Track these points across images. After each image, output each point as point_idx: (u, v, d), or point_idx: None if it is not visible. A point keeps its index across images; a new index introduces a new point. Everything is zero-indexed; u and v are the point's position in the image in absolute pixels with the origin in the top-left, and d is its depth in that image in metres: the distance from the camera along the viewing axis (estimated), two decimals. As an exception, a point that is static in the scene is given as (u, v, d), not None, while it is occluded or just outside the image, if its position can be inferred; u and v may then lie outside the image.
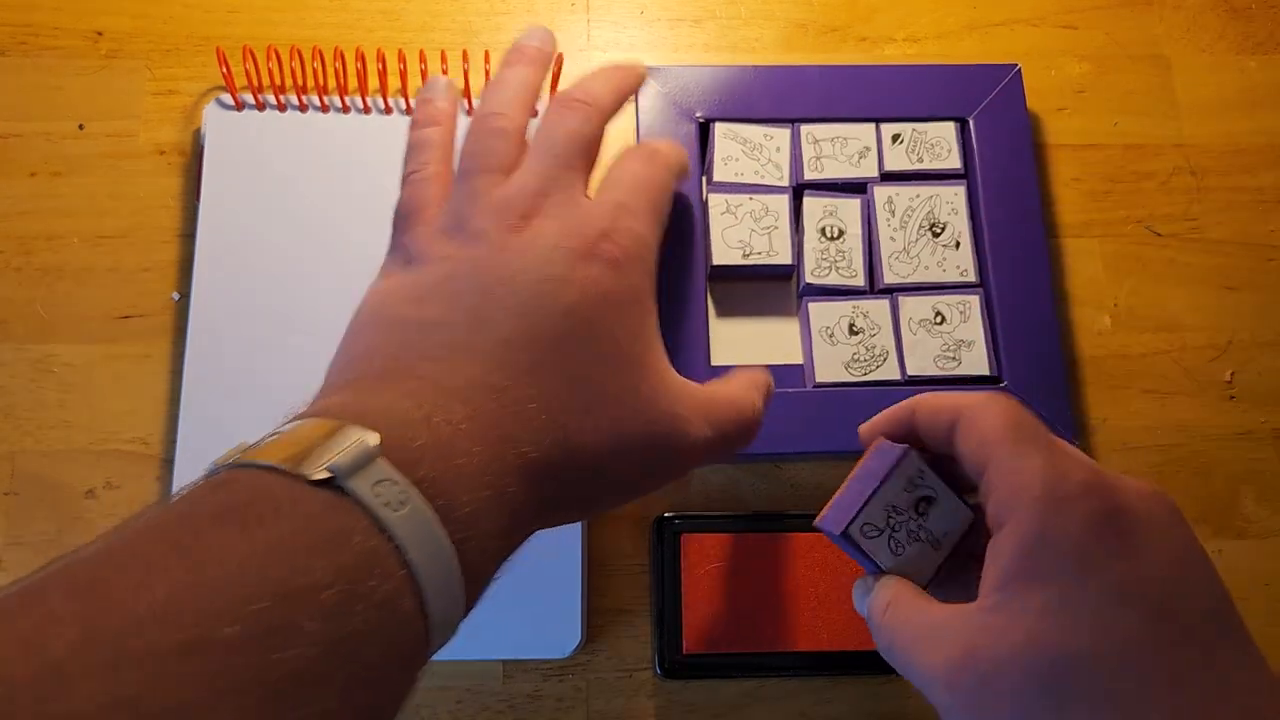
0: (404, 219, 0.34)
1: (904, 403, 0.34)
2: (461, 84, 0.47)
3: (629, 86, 0.38)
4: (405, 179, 0.35)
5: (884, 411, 0.35)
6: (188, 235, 0.46)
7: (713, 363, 0.44)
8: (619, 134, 0.49)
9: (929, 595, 0.33)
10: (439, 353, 0.29)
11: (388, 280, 0.33)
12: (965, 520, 0.35)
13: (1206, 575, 0.28)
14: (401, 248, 0.34)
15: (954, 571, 0.34)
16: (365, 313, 0.32)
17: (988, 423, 0.30)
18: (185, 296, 0.45)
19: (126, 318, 0.45)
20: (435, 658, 0.40)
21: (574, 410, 0.29)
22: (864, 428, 0.36)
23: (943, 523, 0.38)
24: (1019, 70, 0.49)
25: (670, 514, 0.42)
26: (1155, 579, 0.27)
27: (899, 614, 0.32)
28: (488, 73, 0.47)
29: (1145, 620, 0.26)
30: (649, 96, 0.48)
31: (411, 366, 0.28)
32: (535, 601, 0.41)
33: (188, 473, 0.42)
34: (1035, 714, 0.26)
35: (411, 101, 0.47)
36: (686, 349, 0.44)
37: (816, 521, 0.36)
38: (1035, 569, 0.27)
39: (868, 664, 0.41)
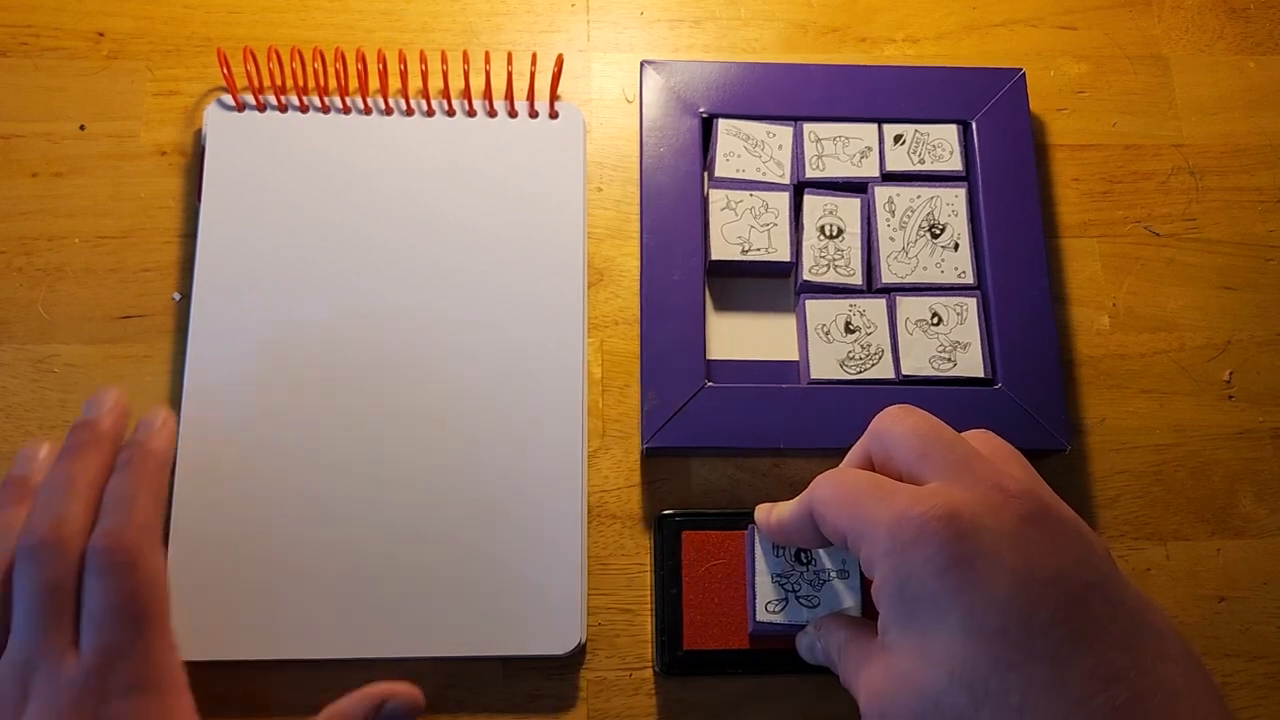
0: None
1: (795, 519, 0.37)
2: (463, 82, 0.47)
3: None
4: None
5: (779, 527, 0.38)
6: (189, 236, 0.46)
7: (709, 356, 0.45)
8: (622, 131, 0.49)
9: (863, 623, 0.36)
10: None
11: None
12: None
13: (1056, 575, 0.28)
14: None
15: None
16: None
17: (831, 509, 0.33)
18: (186, 297, 0.45)
19: (127, 318, 0.45)
20: (435, 655, 0.41)
21: None
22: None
23: (836, 556, 0.39)
24: (1023, 75, 0.49)
25: (671, 511, 0.42)
26: (997, 605, 0.28)
27: (846, 656, 0.34)
28: (488, 73, 0.47)
29: (990, 648, 0.27)
30: (653, 90, 0.48)
31: None
32: (536, 599, 0.41)
33: (188, 473, 0.42)
34: None
35: (412, 103, 0.47)
36: (684, 344, 0.44)
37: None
38: (902, 614, 0.30)
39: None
